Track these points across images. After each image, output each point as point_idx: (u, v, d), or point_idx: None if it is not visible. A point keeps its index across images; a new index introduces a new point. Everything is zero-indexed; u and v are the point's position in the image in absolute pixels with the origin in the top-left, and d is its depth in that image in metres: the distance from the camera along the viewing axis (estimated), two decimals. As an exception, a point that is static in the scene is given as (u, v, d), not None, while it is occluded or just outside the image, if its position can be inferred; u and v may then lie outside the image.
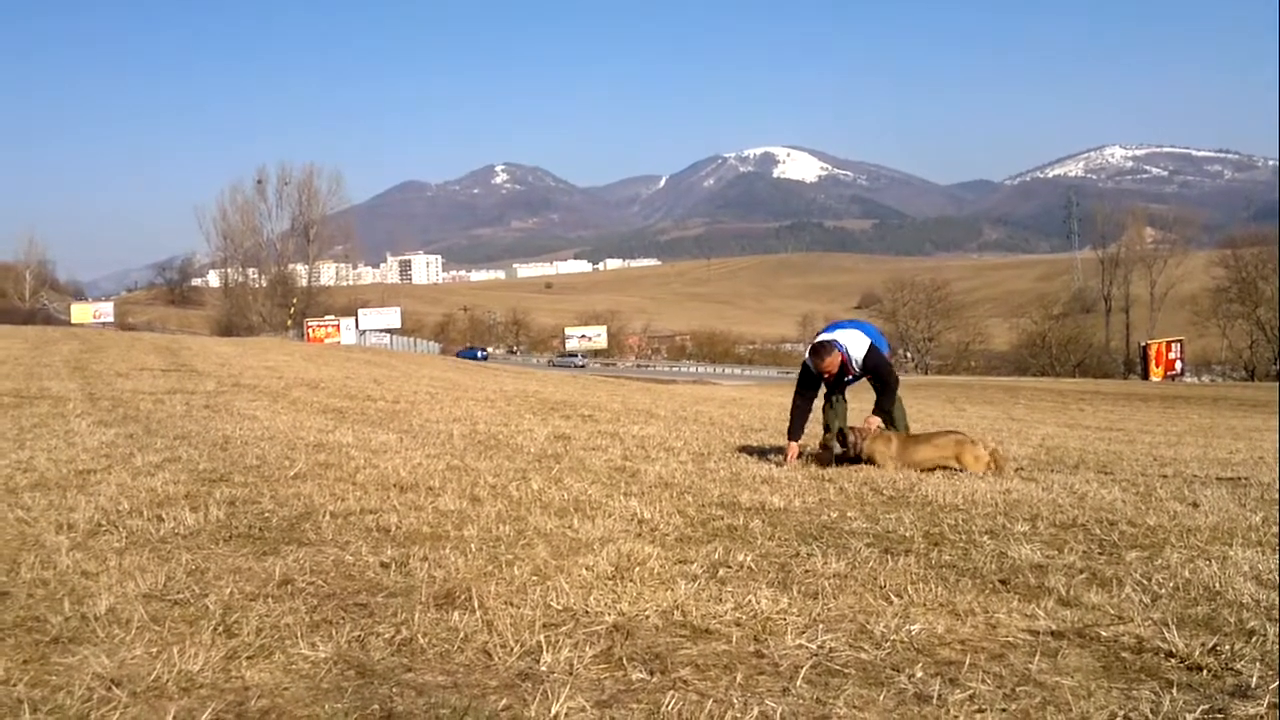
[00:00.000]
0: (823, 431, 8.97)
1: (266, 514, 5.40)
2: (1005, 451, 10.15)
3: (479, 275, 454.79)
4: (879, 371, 8.65)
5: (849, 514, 5.69)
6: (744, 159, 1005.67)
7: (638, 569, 4.19)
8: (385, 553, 4.47)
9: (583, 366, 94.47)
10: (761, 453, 9.18)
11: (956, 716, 2.65)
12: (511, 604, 3.67)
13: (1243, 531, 5.30)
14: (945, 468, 7.84)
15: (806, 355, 8.95)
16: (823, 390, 9.01)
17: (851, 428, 8.36)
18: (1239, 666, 3.05)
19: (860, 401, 9.04)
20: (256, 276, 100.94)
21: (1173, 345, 75.15)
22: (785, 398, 30.02)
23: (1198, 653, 3.16)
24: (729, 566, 4.33)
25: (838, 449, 8.28)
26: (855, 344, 8.67)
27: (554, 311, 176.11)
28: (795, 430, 8.73)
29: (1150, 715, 2.66)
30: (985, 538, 5.03)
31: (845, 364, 8.62)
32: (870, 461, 8.00)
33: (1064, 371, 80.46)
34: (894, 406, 9.11)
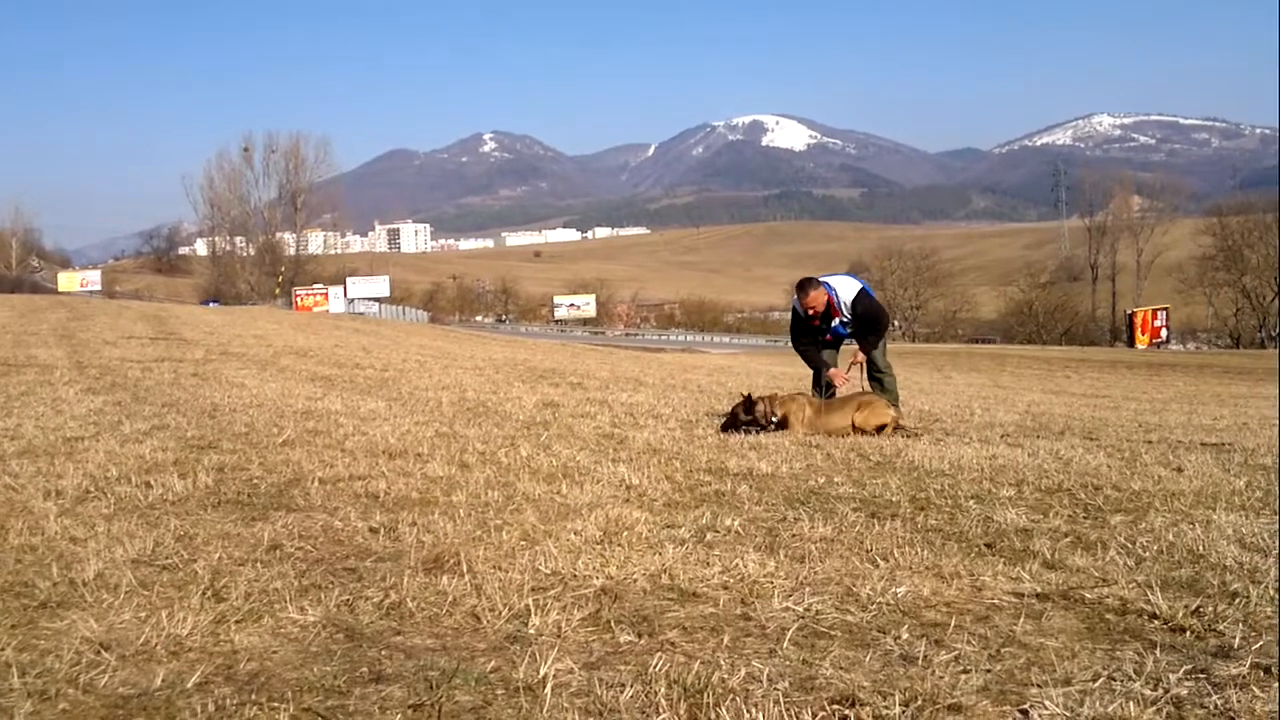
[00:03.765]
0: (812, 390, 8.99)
1: (255, 480, 5.40)
2: (990, 418, 10.22)
3: (467, 244, 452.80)
4: (870, 313, 8.60)
5: (836, 479, 5.71)
6: (733, 127, 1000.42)
7: (626, 533, 4.20)
8: (374, 518, 4.48)
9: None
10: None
11: (942, 677, 2.67)
12: (500, 568, 3.68)
13: (1226, 496, 5.33)
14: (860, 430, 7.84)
15: (794, 297, 8.89)
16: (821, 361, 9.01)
17: (763, 398, 8.23)
18: (1222, 628, 3.08)
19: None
20: (244, 245, 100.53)
21: (1158, 313, 75.41)
22: (774, 365, 30.04)
23: (1181, 614, 3.18)
24: (716, 531, 4.35)
25: (744, 417, 8.04)
26: (844, 287, 8.64)
27: (543, 280, 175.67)
28: (819, 363, 8.71)
29: (1134, 676, 2.68)
30: (971, 502, 5.06)
31: (832, 305, 8.57)
32: (783, 426, 7.92)
33: (1051, 339, 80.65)
34: (887, 375, 9.11)
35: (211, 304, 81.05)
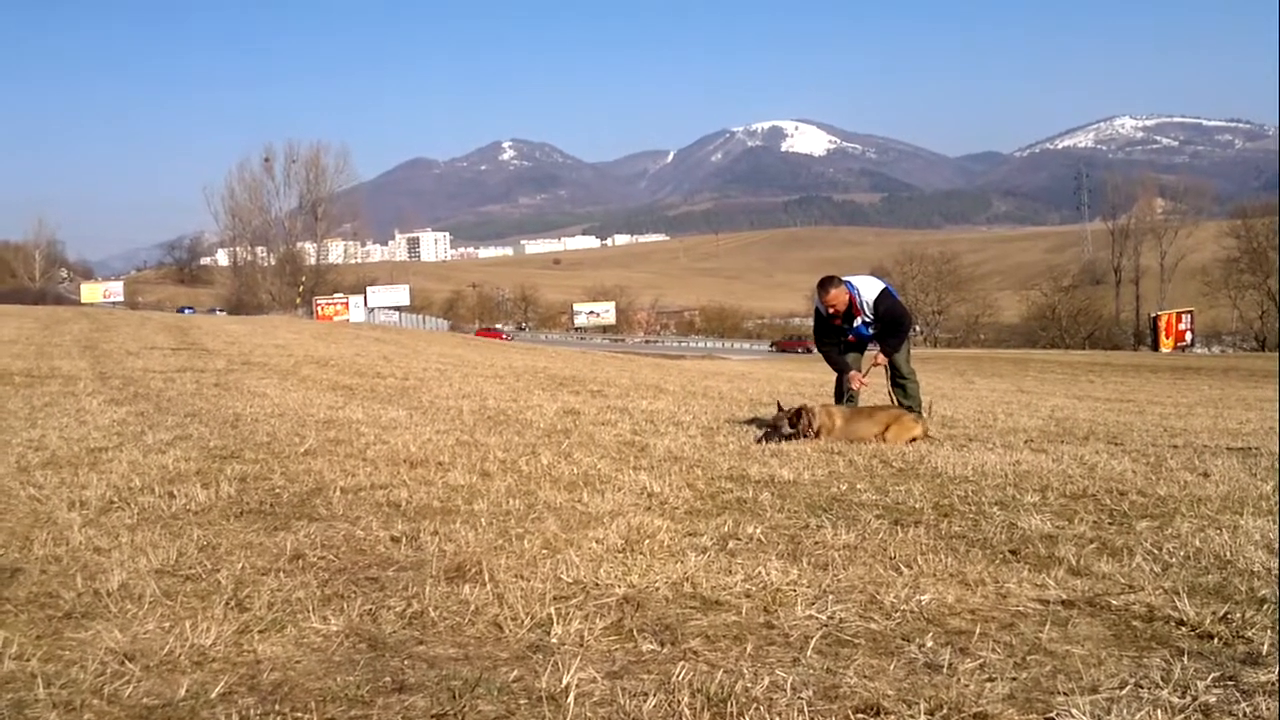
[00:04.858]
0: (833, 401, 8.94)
1: (277, 490, 5.42)
2: (1014, 423, 10.18)
3: (487, 252, 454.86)
4: (892, 313, 8.54)
5: (858, 486, 5.69)
6: (752, 133, 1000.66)
7: (647, 542, 4.20)
8: (396, 527, 4.48)
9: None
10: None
11: (967, 685, 2.65)
12: (522, 577, 3.68)
13: (1253, 501, 5.29)
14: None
15: (816, 296, 8.85)
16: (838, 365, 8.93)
17: (803, 408, 8.14)
18: (1250, 634, 3.05)
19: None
20: (265, 255, 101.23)
21: (1183, 316, 74.93)
22: (794, 371, 29.99)
23: (1209, 621, 3.15)
24: (738, 539, 4.34)
25: (787, 430, 7.87)
26: (867, 287, 8.58)
27: (562, 288, 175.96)
28: (842, 366, 8.67)
29: (1161, 683, 2.66)
30: (995, 509, 5.03)
31: (854, 304, 8.52)
32: (816, 436, 7.86)
33: (1074, 343, 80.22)
34: (910, 381, 9.04)
35: (186, 311, 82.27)
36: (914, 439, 7.79)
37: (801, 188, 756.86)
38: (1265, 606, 3.31)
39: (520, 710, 2.53)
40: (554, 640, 3.04)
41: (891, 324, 8.60)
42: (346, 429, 8.22)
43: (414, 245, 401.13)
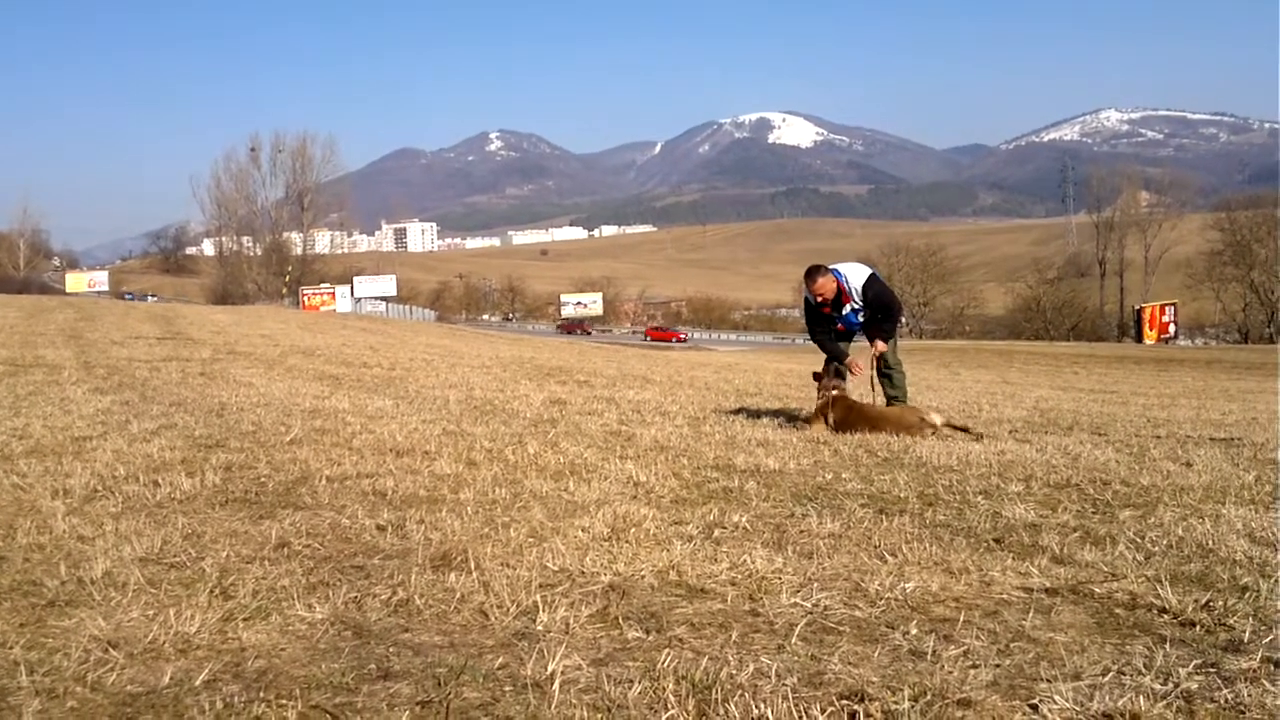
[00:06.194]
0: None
1: (263, 479, 5.41)
2: (998, 414, 10.21)
3: (474, 242, 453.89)
4: (881, 298, 8.54)
5: (844, 475, 5.70)
6: (739, 125, 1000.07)
7: (633, 530, 4.20)
8: (381, 516, 4.48)
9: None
10: (756, 416, 9.18)
11: (951, 672, 2.66)
12: (508, 565, 3.68)
13: (1235, 490, 5.32)
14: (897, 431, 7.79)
15: (804, 286, 8.84)
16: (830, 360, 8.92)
17: (836, 386, 8.23)
18: (1231, 622, 3.07)
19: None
20: (251, 245, 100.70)
21: (1166, 308, 75.26)
22: (781, 363, 30.02)
23: (1191, 608, 3.17)
24: (724, 527, 4.34)
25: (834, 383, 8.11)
26: (854, 273, 8.57)
27: (550, 278, 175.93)
28: (836, 352, 8.66)
29: (1143, 670, 2.67)
30: (979, 498, 5.05)
31: (842, 291, 8.51)
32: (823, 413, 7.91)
33: (1058, 335, 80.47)
34: (896, 371, 9.04)
35: (128, 297, 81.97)
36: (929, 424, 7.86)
37: (788, 179, 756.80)
38: (1247, 594, 3.33)
39: (505, 697, 2.53)
40: (539, 628, 3.04)
41: (882, 309, 8.59)
42: (332, 418, 8.20)
43: (401, 236, 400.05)
